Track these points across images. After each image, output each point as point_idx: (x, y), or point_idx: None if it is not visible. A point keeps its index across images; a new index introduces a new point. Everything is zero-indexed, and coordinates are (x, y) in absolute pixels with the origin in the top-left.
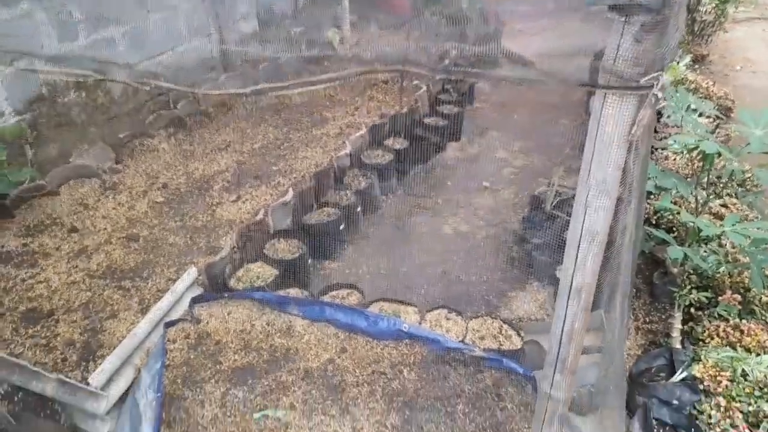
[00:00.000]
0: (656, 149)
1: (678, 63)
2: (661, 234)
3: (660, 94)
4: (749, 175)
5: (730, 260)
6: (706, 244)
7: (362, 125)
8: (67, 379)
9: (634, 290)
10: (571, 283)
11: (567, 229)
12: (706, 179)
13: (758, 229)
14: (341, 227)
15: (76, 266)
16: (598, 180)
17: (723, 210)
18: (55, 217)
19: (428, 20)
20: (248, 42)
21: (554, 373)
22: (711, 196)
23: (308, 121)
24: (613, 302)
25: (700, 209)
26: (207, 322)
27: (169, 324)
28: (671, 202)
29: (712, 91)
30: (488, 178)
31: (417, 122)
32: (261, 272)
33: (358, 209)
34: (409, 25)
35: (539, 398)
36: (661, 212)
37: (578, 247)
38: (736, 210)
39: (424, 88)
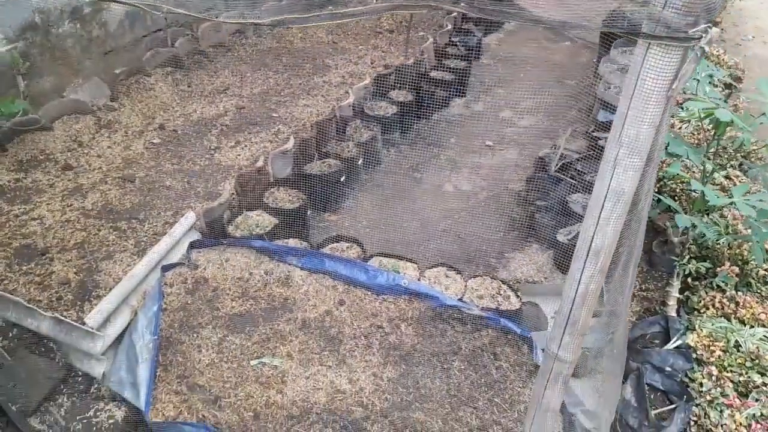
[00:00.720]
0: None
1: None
2: (668, 201)
3: (707, 48)
4: (755, 147)
5: (731, 232)
6: (708, 214)
7: (366, 75)
8: (63, 318)
9: None
10: (591, 244)
11: (570, 193)
12: (714, 149)
13: (762, 201)
14: (342, 179)
15: (71, 205)
16: (630, 137)
17: (726, 182)
18: (48, 153)
19: None
20: None
21: (563, 334)
22: (716, 167)
23: (310, 67)
24: (627, 267)
25: (706, 179)
26: (205, 268)
27: (167, 267)
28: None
29: (724, 60)
30: (493, 138)
31: (422, 75)
32: (260, 220)
33: (360, 162)
34: None
35: (545, 358)
36: (665, 180)
37: (602, 207)
38: (739, 182)
39: (431, 39)
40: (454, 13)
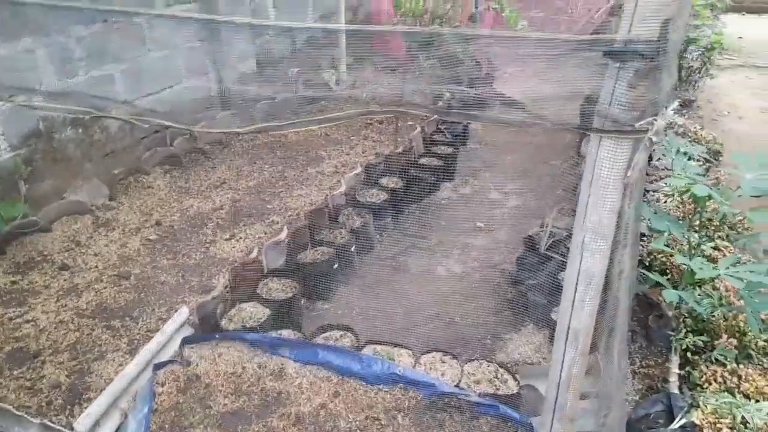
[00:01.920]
0: (648, 191)
1: (666, 108)
2: (655, 277)
3: (655, 138)
4: (740, 217)
5: (725, 303)
6: (700, 287)
7: (357, 164)
8: (51, 424)
9: (630, 333)
10: (568, 326)
11: (561, 270)
12: (698, 222)
13: (752, 272)
14: (335, 267)
15: (65, 305)
16: (594, 223)
17: (715, 253)
18: (46, 254)
19: (422, 63)
20: (246, 81)
21: (552, 420)
22: (703, 239)
23: (304, 159)
24: (610, 346)
25: (693, 252)
26: (197, 364)
27: (159, 366)
28: (665, 244)
29: (701, 135)
30: (482, 219)
31: (412, 162)
32: (254, 312)
33: (353, 248)
34: (404, 68)
35: None
36: (655, 254)
37: (575, 290)
38: (728, 253)
39: (419, 128)
40: (439, 104)
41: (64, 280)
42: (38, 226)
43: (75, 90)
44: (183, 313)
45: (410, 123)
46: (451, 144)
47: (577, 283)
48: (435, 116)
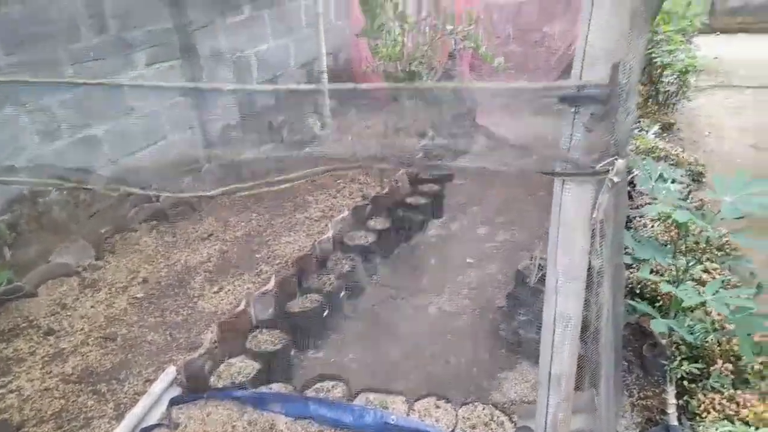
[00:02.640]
0: (633, 218)
1: (647, 132)
2: (643, 307)
3: (616, 179)
4: (726, 239)
5: (718, 328)
6: (691, 312)
7: (344, 207)
8: None
9: (626, 364)
10: (550, 372)
11: None
12: (684, 246)
13: (738, 297)
14: (325, 314)
15: (51, 371)
16: (565, 265)
17: (705, 276)
18: (31, 319)
19: (404, 105)
20: (230, 132)
21: None
22: (691, 263)
23: (291, 205)
24: (598, 384)
25: (681, 276)
26: (185, 426)
27: (146, 430)
28: (652, 271)
29: (683, 157)
30: (471, 254)
31: (398, 202)
32: (242, 366)
33: (342, 294)
34: (387, 110)
35: None
36: (645, 282)
37: (553, 332)
38: (717, 275)
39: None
40: (423, 142)
41: (50, 345)
42: (23, 291)
43: (53, 161)
44: (170, 372)
45: (398, 155)
46: (437, 181)
47: (554, 326)
48: (410, 169)
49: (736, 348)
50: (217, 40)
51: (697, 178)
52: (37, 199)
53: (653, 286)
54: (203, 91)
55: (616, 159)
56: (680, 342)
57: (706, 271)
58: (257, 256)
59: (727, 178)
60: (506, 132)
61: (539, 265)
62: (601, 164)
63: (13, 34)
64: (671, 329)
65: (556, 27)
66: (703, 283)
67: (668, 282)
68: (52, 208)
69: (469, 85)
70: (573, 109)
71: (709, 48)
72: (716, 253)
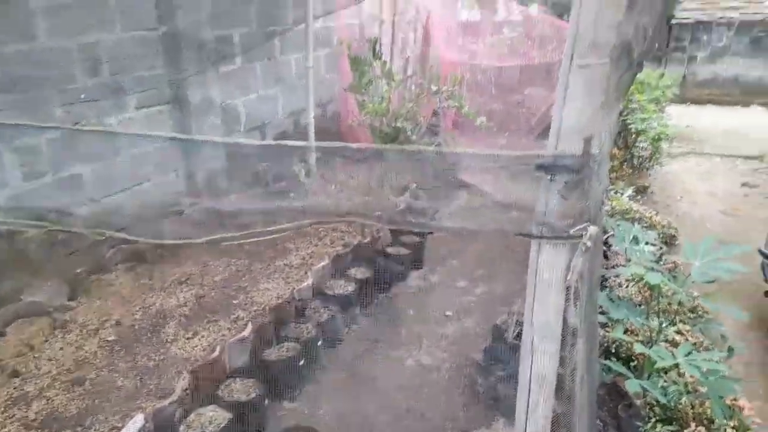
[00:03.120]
0: (608, 278)
1: (622, 194)
2: (617, 367)
3: (589, 243)
4: (698, 302)
5: (691, 390)
6: (665, 373)
7: (325, 255)
8: None
9: (600, 424)
10: (525, 431)
11: None
12: (657, 307)
13: (708, 360)
14: (301, 363)
15: (13, 415)
16: (541, 324)
17: (678, 337)
18: None
19: (388, 158)
20: (215, 177)
21: None
22: (664, 324)
23: (271, 252)
24: None
25: (654, 337)
26: None
27: None
28: (626, 330)
29: (656, 220)
30: (450, 307)
31: (379, 252)
32: (214, 416)
33: (319, 343)
34: (372, 162)
35: None
36: (619, 341)
37: (529, 391)
38: (691, 337)
39: (387, 209)
40: (406, 194)
41: (14, 387)
42: None
43: (36, 198)
44: (138, 421)
45: (378, 213)
46: (418, 233)
47: (530, 385)
48: (389, 227)
49: (709, 411)
50: (207, 87)
51: (669, 241)
52: (14, 236)
53: (628, 345)
54: (190, 131)
55: (588, 225)
56: (654, 403)
57: (679, 332)
58: (234, 302)
59: (697, 244)
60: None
61: (517, 320)
62: (575, 229)
63: (8, 73)
64: (645, 390)
65: (537, 90)
66: (675, 344)
67: (642, 343)
68: (29, 245)
69: (452, 150)
70: (549, 177)
71: (680, 117)
72: (689, 315)
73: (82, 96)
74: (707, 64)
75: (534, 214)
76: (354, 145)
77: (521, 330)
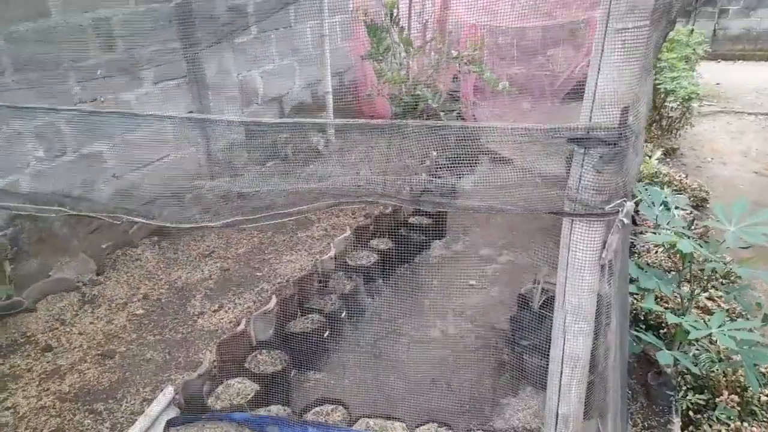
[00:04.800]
0: (635, 244)
1: (650, 157)
2: (648, 338)
3: (626, 220)
4: (730, 268)
5: (723, 358)
6: (696, 341)
7: (347, 226)
8: None
9: (630, 393)
10: (557, 412)
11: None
12: (689, 274)
13: (742, 329)
14: (326, 335)
15: (47, 389)
16: (573, 305)
17: (710, 303)
18: (29, 335)
19: (409, 127)
20: (235, 150)
21: None
22: (696, 291)
23: (293, 223)
24: (604, 416)
25: (686, 305)
26: None
27: None
28: (656, 298)
29: (686, 183)
30: (474, 277)
31: (401, 222)
32: (241, 388)
33: (343, 314)
34: (390, 131)
35: None
36: (649, 312)
37: (561, 374)
38: (722, 303)
39: (409, 187)
40: (427, 163)
41: (47, 362)
42: (23, 306)
43: (56, 177)
44: (168, 393)
45: (399, 182)
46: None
47: (562, 367)
48: (408, 206)
49: (742, 379)
50: (223, 59)
51: (700, 204)
52: (38, 214)
53: (657, 313)
54: (208, 103)
55: (625, 201)
56: (686, 371)
57: (710, 298)
58: (258, 274)
59: (729, 207)
60: (510, 155)
61: (542, 288)
62: (610, 205)
63: (22, 51)
64: (677, 360)
65: (560, 51)
66: (707, 310)
67: (672, 311)
68: (53, 223)
69: (479, 125)
70: (582, 150)
71: (711, 74)
72: (721, 281)
73: (99, 72)
74: (740, 17)
75: (566, 187)
76: (373, 122)
77: (547, 299)
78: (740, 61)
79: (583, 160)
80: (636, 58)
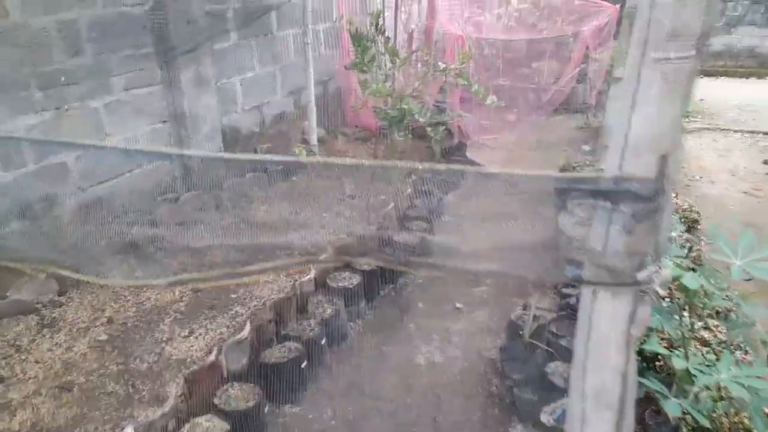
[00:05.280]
0: None
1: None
2: (654, 385)
3: (661, 291)
4: (733, 307)
5: (725, 396)
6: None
7: (328, 246)
8: None
9: None
10: None
11: (549, 362)
12: (688, 307)
13: (752, 376)
14: (303, 365)
15: None
16: (595, 389)
17: (707, 335)
18: None
19: (394, 138)
20: (212, 161)
21: None
22: (697, 326)
23: (271, 242)
24: None
25: (686, 336)
26: None
27: None
28: (660, 336)
29: (677, 203)
30: (461, 299)
31: (385, 240)
32: (210, 427)
33: (323, 341)
34: (375, 140)
35: None
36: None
37: None
38: (719, 333)
39: (392, 204)
40: (413, 177)
41: None
42: None
43: (15, 190)
44: None
45: (383, 197)
46: (426, 219)
47: None
48: (383, 264)
49: (746, 420)
50: (201, 66)
51: (692, 225)
52: None
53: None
54: (184, 113)
55: (660, 267)
56: (686, 411)
57: (707, 327)
58: (232, 296)
59: (729, 241)
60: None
61: (534, 315)
62: (643, 274)
63: None
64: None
65: (545, 65)
66: (705, 342)
67: (670, 345)
68: (11, 239)
69: (473, 169)
70: (610, 206)
71: (694, 90)
72: (723, 315)
73: (62, 79)
74: (721, 34)
75: (588, 252)
76: (348, 162)
77: (539, 326)
78: (722, 77)
79: (611, 218)
80: (677, 95)
